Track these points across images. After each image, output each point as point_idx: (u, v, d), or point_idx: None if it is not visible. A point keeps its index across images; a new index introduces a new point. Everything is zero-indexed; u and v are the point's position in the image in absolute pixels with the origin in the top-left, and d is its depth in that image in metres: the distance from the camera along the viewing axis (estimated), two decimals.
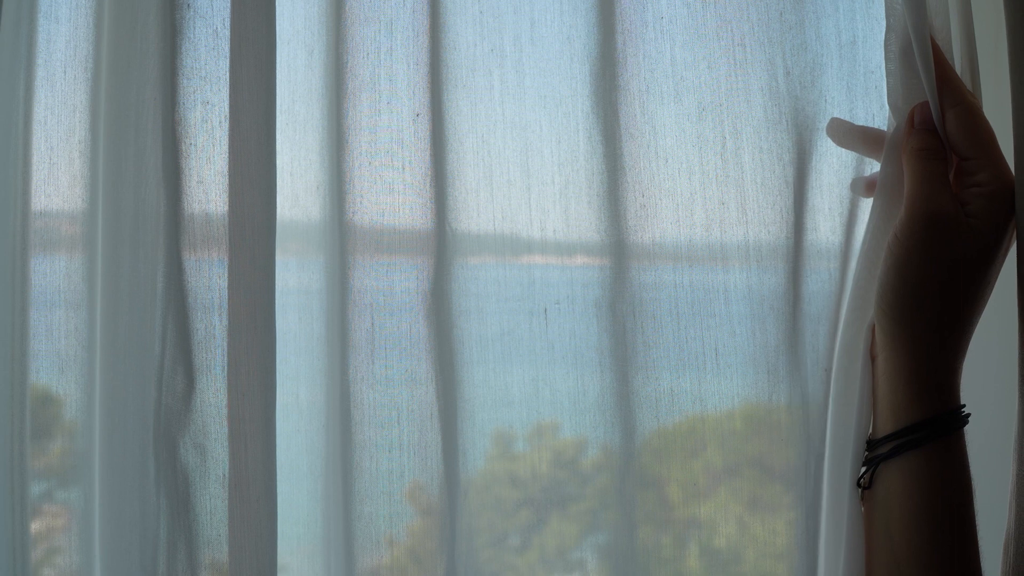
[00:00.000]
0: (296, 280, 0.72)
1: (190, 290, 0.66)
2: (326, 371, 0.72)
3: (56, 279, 0.75)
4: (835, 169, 0.75)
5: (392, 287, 0.70)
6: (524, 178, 0.72)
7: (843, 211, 0.74)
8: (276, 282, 0.65)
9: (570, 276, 0.73)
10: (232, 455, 0.64)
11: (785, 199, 0.74)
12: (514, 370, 0.72)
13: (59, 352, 0.76)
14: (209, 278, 0.66)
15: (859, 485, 0.68)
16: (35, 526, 0.77)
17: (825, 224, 0.74)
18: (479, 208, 0.71)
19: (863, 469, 0.68)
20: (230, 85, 0.64)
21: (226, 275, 0.64)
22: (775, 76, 0.73)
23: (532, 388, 0.72)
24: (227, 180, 0.65)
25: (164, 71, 0.67)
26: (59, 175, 0.76)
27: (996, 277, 0.66)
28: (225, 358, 0.65)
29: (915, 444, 0.65)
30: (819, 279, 0.74)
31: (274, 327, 0.64)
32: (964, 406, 0.66)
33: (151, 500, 0.68)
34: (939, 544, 0.64)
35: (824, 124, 0.73)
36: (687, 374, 0.74)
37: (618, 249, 0.73)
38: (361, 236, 0.70)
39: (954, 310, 0.64)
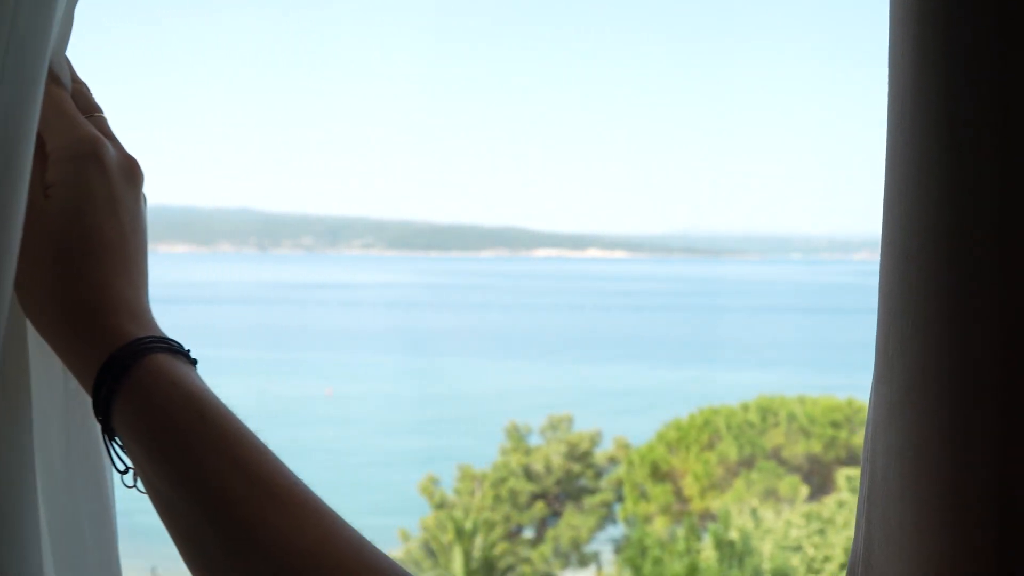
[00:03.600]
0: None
1: None
2: None
3: None
4: None
5: None
6: None
7: None
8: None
9: None
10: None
11: None
12: None
13: None
14: None
15: (121, 472, 0.64)
16: None
17: None
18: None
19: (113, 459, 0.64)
20: None
21: None
22: None
23: None
24: None
25: None
26: None
27: (96, 224, 0.65)
28: None
29: (106, 404, 0.61)
30: None
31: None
32: (143, 339, 0.62)
33: None
34: (209, 478, 0.59)
35: None
36: None
37: None
38: None
39: (63, 265, 0.64)
